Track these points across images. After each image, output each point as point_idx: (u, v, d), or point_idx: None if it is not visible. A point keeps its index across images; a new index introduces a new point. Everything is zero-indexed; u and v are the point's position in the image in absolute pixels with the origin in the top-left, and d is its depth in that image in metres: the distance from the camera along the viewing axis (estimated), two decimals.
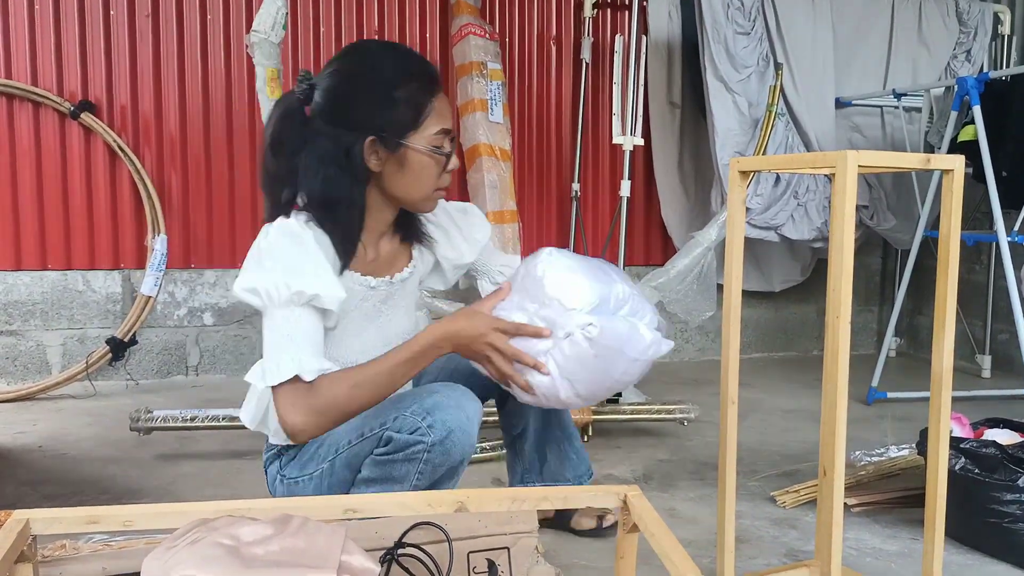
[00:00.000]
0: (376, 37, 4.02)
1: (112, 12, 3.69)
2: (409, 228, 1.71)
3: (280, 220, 1.50)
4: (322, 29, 3.95)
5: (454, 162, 1.59)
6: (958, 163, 1.53)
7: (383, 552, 1.51)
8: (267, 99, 3.06)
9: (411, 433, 1.48)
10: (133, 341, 3.70)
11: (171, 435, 2.83)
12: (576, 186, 4.22)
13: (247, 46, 3.09)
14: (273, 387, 1.42)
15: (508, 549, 1.65)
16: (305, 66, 3.92)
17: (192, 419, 2.70)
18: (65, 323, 3.70)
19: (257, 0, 3.72)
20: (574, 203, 4.23)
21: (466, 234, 1.81)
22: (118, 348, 3.65)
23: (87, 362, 3.59)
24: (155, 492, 2.34)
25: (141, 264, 3.73)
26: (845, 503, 2.21)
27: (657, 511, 1.25)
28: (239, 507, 1.23)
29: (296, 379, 1.41)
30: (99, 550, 1.37)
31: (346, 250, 1.56)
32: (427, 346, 1.50)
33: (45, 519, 1.15)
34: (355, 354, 1.60)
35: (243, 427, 2.68)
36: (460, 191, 4.04)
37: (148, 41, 3.74)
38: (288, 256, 1.45)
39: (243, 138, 3.85)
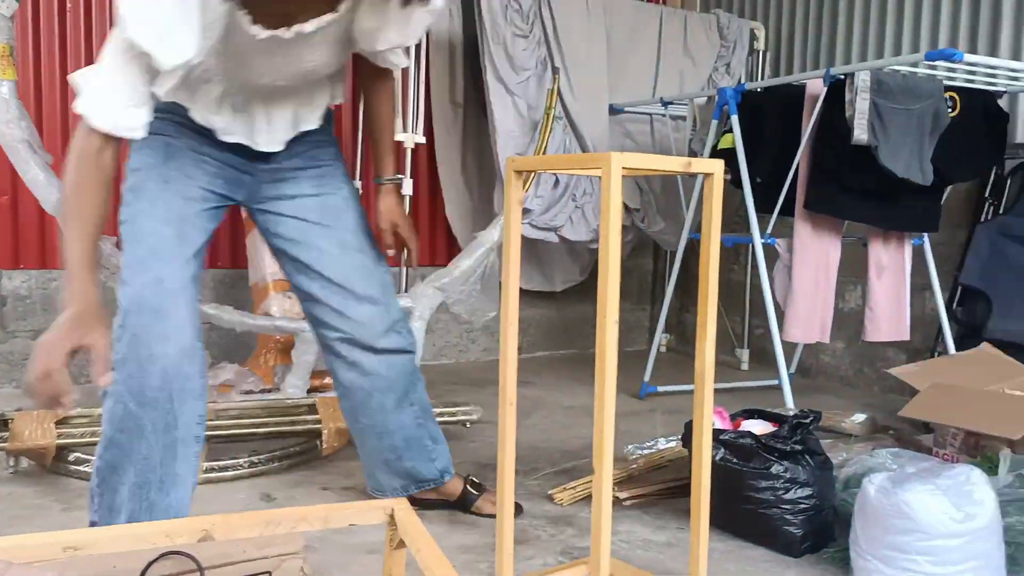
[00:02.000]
0: None
1: None
2: None
3: None
4: (68, 5, 3.56)
5: None
6: (717, 167, 1.58)
7: None
8: None
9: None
10: None
11: None
12: (357, 183, 4.09)
13: None
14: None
15: (270, 573, 1.52)
16: (49, 45, 3.52)
17: None
18: None
19: None
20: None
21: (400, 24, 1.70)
22: None
23: None
24: None
25: None
26: (617, 496, 2.26)
27: (437, 516, 1.18)
28: None
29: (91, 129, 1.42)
30: None
31: None
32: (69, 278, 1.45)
33: None
34: (262, 78, 1.65)
35: None
36: None
37: None
38: None
39: None
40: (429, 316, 3.41)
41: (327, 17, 1.61)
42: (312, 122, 1.87)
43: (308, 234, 1.89)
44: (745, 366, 4.44)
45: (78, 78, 1.45)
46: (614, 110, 4.26)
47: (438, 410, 2.91)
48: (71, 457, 2.40)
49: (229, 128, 1.74)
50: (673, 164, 1.60)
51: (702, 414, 1.61)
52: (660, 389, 3.70)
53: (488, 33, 3.87)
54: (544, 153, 3.74)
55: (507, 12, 3.91)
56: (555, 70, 3.84)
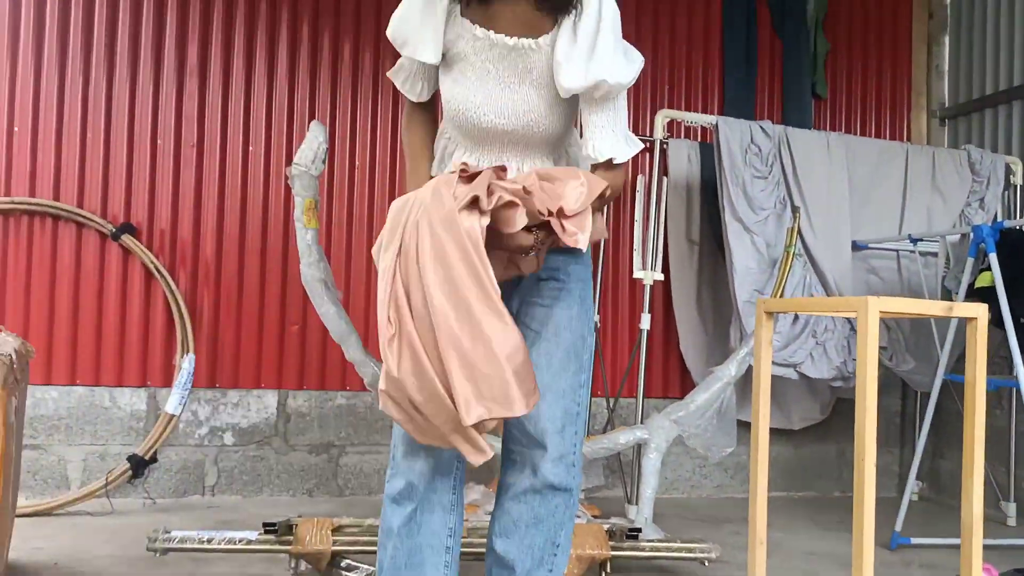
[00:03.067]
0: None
1: (159, 141, 3.90)
2: None
3: None
4: (357, 163, 4.13)
5: None
6: (981, 311, 1.59)
7: None
8: (303, 228, 3.19)
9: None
10: (153, 459, 3.71)
11: (186, 556, 2.80)
12: (596, 317, 4.29)
13: (287, 177, 3.25)
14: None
15: None
16: (340, 198, 4.09)
17: (209, 540, 2.68)
18: (88, 439, 3.73)
19: (299, 134, 3.95)
20: (594, 334, 4.28)
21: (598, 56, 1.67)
22: (138, 466, 3.65)
23: (107, 479, 3.59)
24: None
25: (168, 382, 3.79)
26: None
27: None
28: None
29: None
30: None
31: None
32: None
33: None
34: (474, 107, 1.73)
35: (259, 551, 2.67)
36: None
37: (192, 168, 3.93)
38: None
39: (276, 263, 3.97)
40: (664, 448, 3.45)
41: (526, 41, 1.71)
42: None
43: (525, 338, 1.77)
44: (1012, 521, 4.03)
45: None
46: (858, 247, 4.21)
47: (675, 545, 2.92)
48: (343, 563, 2.65)
49: None
50: (933, 308, 1.62)
51: (970, 571, 1.56)
52: (914, 541, 3.46)
53: (727, 175, 4.02)
54: (783, 290, 3.76)
55: (746, 156, 4.04)
56: (795, 209, 3.89)
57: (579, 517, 3.38)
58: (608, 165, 1.75)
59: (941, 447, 4.58)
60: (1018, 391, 3.03)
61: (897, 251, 4.32)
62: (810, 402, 4.46)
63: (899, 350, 4.23)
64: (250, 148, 4.01)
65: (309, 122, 3.30)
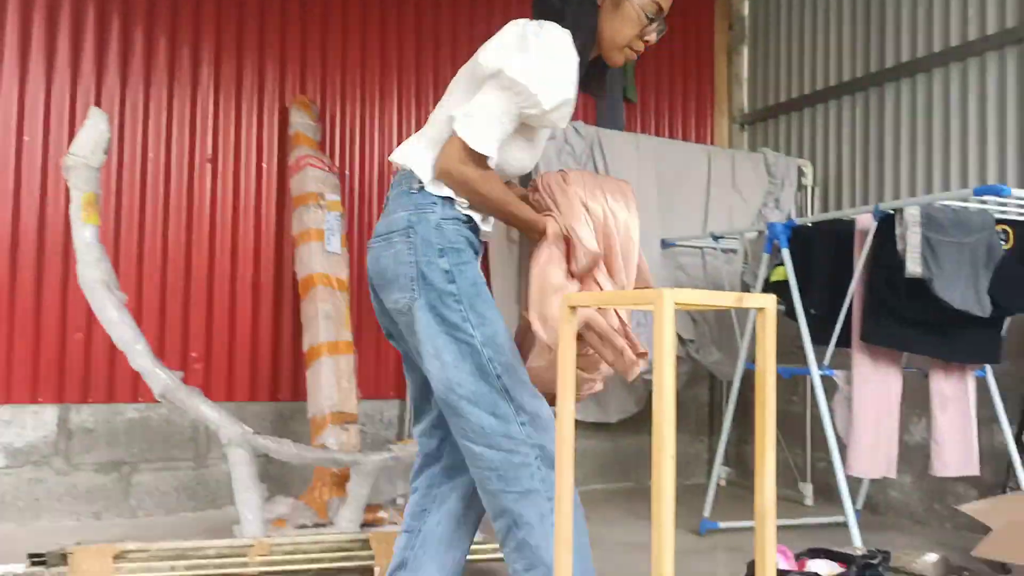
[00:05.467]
0: (209, 164, 3.92)
1: None
2: (591, 80, 1.99)
3: (555, 25, 1.81)
4: (150, 154, 3.82)
5: (651, 38, 1.94)
6: (769, 302, 1.60)
7: None
8: (81, 223, 2.89)
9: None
10: None
11: None
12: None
13: (63, 169, 2.93)
14: (459, 136, 1.74)
15: None
16: (131, 192, 3.76)
17: None
18: None
19: (81, 122, 3.59)
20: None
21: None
22: None
23: None
24: None
25: None
26: None
27: None
28: None
29: (476, 152, 1.74)
30: None
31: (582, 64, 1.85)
32: (533, 221, 1.83)
33: None
34: (511, 168, 1.87)
35: None
36: (294, 322, 3.92)
37: None
38: (560, 65, 1.78)
39: (55, 264, 3.59)
40: None
41: None
42: None
43: None
44: (809, 501, 4.29)
45: (460, 118, 1.78)
46: (666, 244, 4.34)
47: (488, 546, 2.86)
48: None
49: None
50: (725, 299, 1.62)
51: (764, 554, 1.57)
52: (721, 525, 3.59)
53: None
54: None
55: (560, 155, 4.07)
56: None
57: (395, 524, 3.27)
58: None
59: (745, 434, 4.81)
60: (811, 379, 3.19)
61: (702, 248, 4.49)
62: (625, 395, 4.56)
63: (705, 343, 4.40)
64: (25, 137, 3.61)
65: None
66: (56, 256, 3.60)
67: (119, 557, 2.46)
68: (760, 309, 1.61)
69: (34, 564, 2.40)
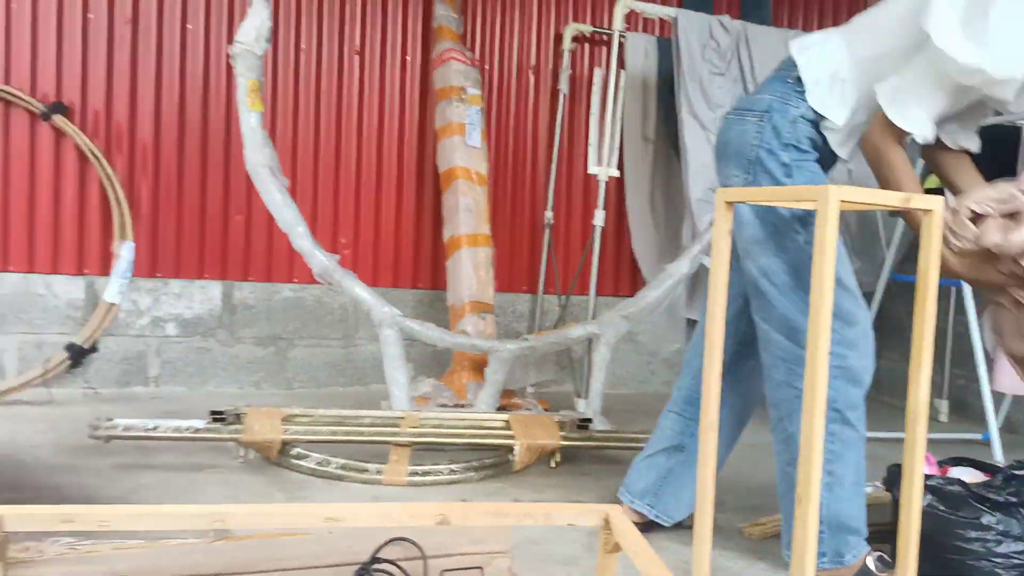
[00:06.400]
0: (357, 56, 4.02)
1: (90, 15, 3.65)
2: None
3: None
4: (303, 45, 3.94)
5: None
6: (937, 204, 1.57)
7: (357, 567, 1.49)
8: (247, 110, 3.05)
9: None
10: (93, 349, 3.61)
11: (131, 445, 2.75)
12: (549, 214, 4.25)
13: (229, 57, 3.08)
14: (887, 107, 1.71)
15: (482, 569, 1.63)
16: (285, 81, 3.91)
17: (155, 429, 2.64)
18: (23, 327, 3.61)
19: (240, 11, 3.73)
20: (547, 231, 4.25)
21: None
22: (78, 355, 3.56)
23: (44, 368, 3.49)
24: (114, 501, 2.27)
25: (106, 271, 3.66)
26: None
27: None
28: (217, 511, 1.21)
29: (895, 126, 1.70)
30: (65, 554, 1.33)
31: None
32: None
33: (18, 515, 1.12)
34: None
35: (208, 439, 2.64)
36: (435, 213, 4.04)
37: (126, 47, 3.70)
38: None
39: (218, 148, 3.81)
40: (614, 343, 3.48)
41: None
42: None
43: None
44: (944, 418, 4.20)
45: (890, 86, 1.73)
46: None
47: (626, 435, 2.97)
48: (293, 452, 2.64)
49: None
50: (892, 199, 1.60)
51: (913, 456, 1.59)
52: None
53: (685, 71, 3.94)
54: None
55: (704, 52, 3.96)
56: None
57: (529, 410, 3.42)
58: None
59: (881, 348, 4.70)
60: (960, 291, 3.09)
61: None
62: None
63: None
64: (188, 26, 3.79)
65: None
66: (218, 142, 3.81)
67: (286, 420, 2.69)
68: (927, 211, 1.58)
69: (215, 420, 2.67)
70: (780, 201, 1.82)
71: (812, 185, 1.85)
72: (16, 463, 2.60)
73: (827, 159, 1.93)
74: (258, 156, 3.01)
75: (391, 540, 1.52)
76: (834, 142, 1.89)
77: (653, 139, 4.34)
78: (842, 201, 1.51)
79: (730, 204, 1.79)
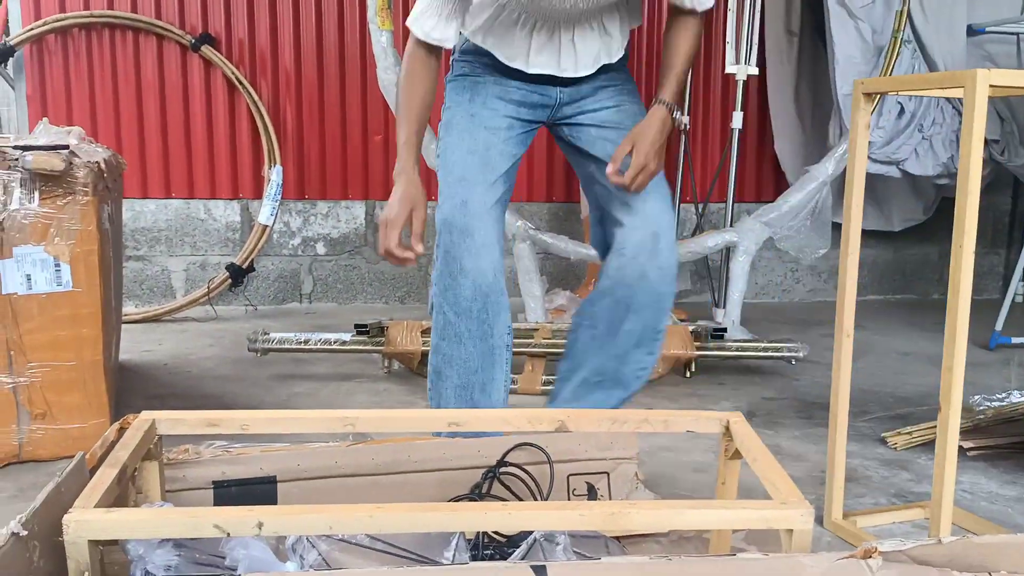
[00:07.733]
0: None
1: None
2: None
3: None
4: None
5: None
6: None
7: (486, 470, 1.55)
8: (378, 30, 3.09)
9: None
10: (251, 268, 3.86)
11: (286, 357, 2.95)
12: (685, 118, 4.11)
13: None
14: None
15: (608, 474, 1.66)
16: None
17: (306, 342, 2.81)
18: (188, 249, 3.90)
19: None
20: (683, 136, 4.12)
21: None
22: (237, 275, 3.82)
23: (208, 287, 3.77)
24: (271, 407, 2.46)
25: (258, 194, 3.87)
26: (961, 446, 2.13)
27: None
28: (347, 416, 1.29)
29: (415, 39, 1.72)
30: (219, 455, 1.46)
31: None
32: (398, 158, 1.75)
33: (170, 420, 1.24)
34: (522, 54, 1.77)
35: (354, 351, 2.80)
36: None
37: None
38: None
39: (355, 70, 3.90)
40: (755, 252, 3.38)
41: None
42: (614, 53, 1.85)
43: (604, 134, 1.86)
44: None
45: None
46: (973, 31, 3.83)
47: (762, 345, 2.91)
48: None
49: (535, 61, 1.81)
50: None
51: None
52: (1014, 340, 3.36)
53: None
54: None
55: None
56: None
57: None
58: (691, 13, 1.77)
59: None
60: None
61: (1018, 35, 3.91)
62: (912, 202, 4.25)
63: (1012, 143, 3.93)
64: None
65: None
66: (355, 64, 3.90)
67: (425, 332, 2.80)
68: None
69: (359, 333, 2.81)
70: (923, 89, 1.68)
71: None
72: (184, 375, 2.85)
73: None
74: (390, 75, 3.06)
75: (518, 445, 1.56)
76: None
77: (797, 32, 4.08)
78: (991, 86, 1.38)
79: (869, 97, 1.68)
